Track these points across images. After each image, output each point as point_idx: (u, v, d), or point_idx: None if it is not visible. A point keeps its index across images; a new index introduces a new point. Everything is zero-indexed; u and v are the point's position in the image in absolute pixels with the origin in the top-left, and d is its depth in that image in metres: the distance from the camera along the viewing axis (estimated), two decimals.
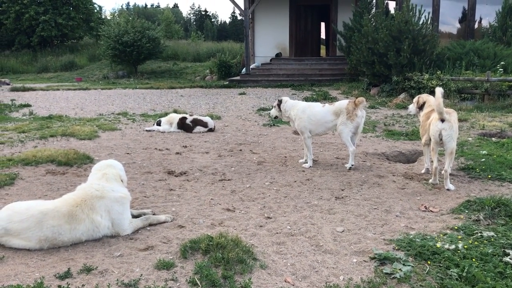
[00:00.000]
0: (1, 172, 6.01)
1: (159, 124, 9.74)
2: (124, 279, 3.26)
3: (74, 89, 19.43)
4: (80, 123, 10.12)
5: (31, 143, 7.99)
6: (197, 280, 3.21)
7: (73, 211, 3.87)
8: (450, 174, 5.53)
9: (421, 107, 6.19)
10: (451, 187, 5.40)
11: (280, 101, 6.89)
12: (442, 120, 5.28)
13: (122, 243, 3.94)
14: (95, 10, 39.71)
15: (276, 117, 7.23)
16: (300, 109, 6.70)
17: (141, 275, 3.33)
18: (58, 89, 19.40)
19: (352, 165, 6.47)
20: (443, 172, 5.44)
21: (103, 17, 43.67)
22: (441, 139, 5.34)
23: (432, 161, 5.73)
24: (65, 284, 3.17)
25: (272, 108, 7.24)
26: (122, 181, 4.27)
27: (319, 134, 6.91)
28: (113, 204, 4.04)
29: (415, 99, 6.42)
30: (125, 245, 3.90)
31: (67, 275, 3.31)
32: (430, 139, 5.62)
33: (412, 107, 6.44)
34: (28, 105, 13.60)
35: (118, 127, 9.87)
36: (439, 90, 5.26)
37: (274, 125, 10.08)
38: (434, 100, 5.31)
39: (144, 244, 3.92)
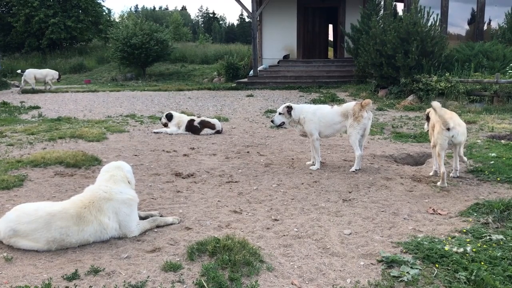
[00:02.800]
0: (10, 173, 6.06)
1: (169, 117, 9.74)
2: (131, 281, 3.27)
3: (82, 91, 19.57)
4: (88, 125, 10.18)
5: (40, 145, 8.05)
6: (204, 282, 3.21)
7: (81, 212, 3.89)
8: (459, 177, 5.70)
9: (427, 117, 6.25)
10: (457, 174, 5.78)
11: (290, 107, 6.71)
12: (448, 129, 5.39)
13: (129, 244, 3.95)
14: (104, 13, 39.99)
15: (281, 125, 6.91)
16: (310, 111, 6.69)
17: (148, 276, 3.34)
18: (67, 91, 19.55)
19: (357, 169, 6.46)
20: (451, 174, 5.44)
21: (111, 19, 43.94)
22: (450, 145, 5.51)
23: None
24: (72, 285, 3.19)
25: (276, 116, 6.89)
26: (129, 183, 4.28)
27: (328, 136, 6.90)
28: (120, 206, 4.06)
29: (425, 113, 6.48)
30: (132, 246, 3.91)
31: (74, 276, 3.33)
32: None
33: (426, 124, 6.46)
34: (37, 107, 13.70)
35: (126, 129, 9.91)
36: (437, 104, 5.40)
37: (281, 127, 10.06)
38: (439, 118, 5.39)
39: (151, 246, 3.92)
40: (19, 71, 20.18)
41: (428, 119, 6.27)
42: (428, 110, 6.35)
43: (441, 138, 5.47)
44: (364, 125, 6.42)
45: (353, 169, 6.47)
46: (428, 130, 6.52)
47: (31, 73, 19.47)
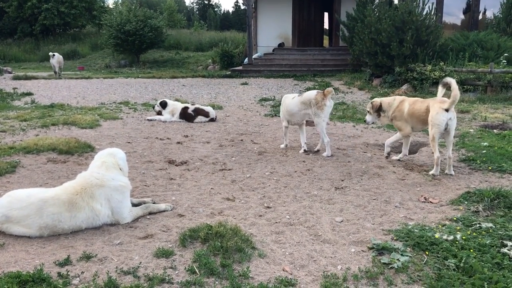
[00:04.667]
0: (2, 160, 6.03)
1: (163, 105, 9.72)
2: (123, 267, 3.28)
3: (76, 78, 19.43)
4: (81, 112, 10.13)
5: (33, 132, 8.01)
6: (195, 268, 3.23)
7: (73, 199, 3.89)
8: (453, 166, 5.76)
9: (378, 109, 6.33)
10: (453, 172, 5.63)
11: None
12: (447, 110, 5.39)
13: (121, 231, 3.96)
14: None
15: None
16: (281, 102, 7.18)
17: (140, 263, 3.35)
18: (60, 78, 19.39)
19: (329, 155, 6.64)
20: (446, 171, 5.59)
21: (105, 6, 43.50)
22: (445, 129, 5.48)
23: (433, 152, 5.74)
24: (64, 271, 3.20)
25: None
26: (121, 169, 4.26)
27: (296, 124, 7.13)
28: (113, 193, 4.06)
29: (369, 106, 6.53)
30: (125, 233, 3.92)
31: (66, 262, 3.34)
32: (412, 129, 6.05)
33: (370, 117, 6.54)
34: (30, 94, 13.60)
35: (120, 116, 9.88)
36: (454, 81, 5.42)
37: (275, 115, 10.07)
38: (453, 90, 5.36)
39: (143, 232, 3.94)
40: (51, 53, 20.52)
41: (379, 111, 6.32)
42: (378, 101, 6.39)
43: (440, 119, 5.44)
44: (328, 113, 6.65)
45: (325, 154, 6.68)
46: (372, 123, 6.71)
47: (60, 58, 20.35)
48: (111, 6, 46.25)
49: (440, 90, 5.74)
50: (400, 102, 6.16)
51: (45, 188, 4.16)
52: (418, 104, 5.94)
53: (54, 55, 20.09)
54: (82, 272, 3.21)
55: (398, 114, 6.12)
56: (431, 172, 5.68)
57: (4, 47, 31.02)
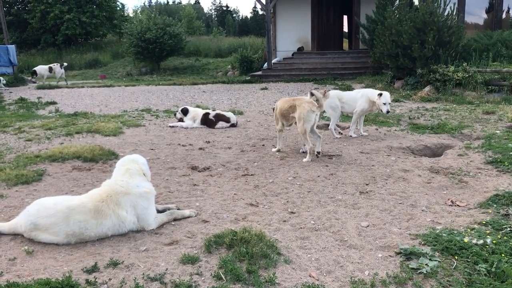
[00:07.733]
0: (29, 168, 6.15)
1: (185, 112, 9.78)
2: (150, 273, 3.30)
3: (98, 86, 19.71)
4: (104, 120, 10.26)
5: (58, 140, 8.14)
6: (221, 275, 3.23)
7: (99, 206, 3.93)
8: (478, 168, 5.74)
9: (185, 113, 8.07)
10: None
11: None
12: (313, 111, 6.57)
13: (147, 237, 3.99)
14: (118, 8, 40.25)
15: None
16: None
17: (167, 269, 3.36)
18: (83, 87, 19.71)
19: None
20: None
21: (125, 14, 44.18)
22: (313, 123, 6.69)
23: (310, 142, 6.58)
24: (92, 278, 3.23)
25: None
26: (144, 175, 4.29)
27: None
28: (138, 200, 4.09)
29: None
30: (150, 239, 3.94)
31: (94, 269, 3.37)
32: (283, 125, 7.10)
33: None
34: (54, 103, 13.85)
35: (142, 123, 9.97)
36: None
37: None
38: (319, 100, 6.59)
39: (169, 238, 3.95)
40: (62, 63, 22.42)
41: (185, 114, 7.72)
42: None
43: (311, 116, 6.54)
44: None
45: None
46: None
47: None
48: (131, 15, 46.95)
49: (310, 96, 6.93)
50: (278, 102, 7.22)
51: (71, 196, 4.22)
52: (282, 103, 6.96)
53: (63, 65, 22.00)
54: (110, 279, 3.23)
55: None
56: (305, 160, 6.54)
57: (28, 58, 31.72)
